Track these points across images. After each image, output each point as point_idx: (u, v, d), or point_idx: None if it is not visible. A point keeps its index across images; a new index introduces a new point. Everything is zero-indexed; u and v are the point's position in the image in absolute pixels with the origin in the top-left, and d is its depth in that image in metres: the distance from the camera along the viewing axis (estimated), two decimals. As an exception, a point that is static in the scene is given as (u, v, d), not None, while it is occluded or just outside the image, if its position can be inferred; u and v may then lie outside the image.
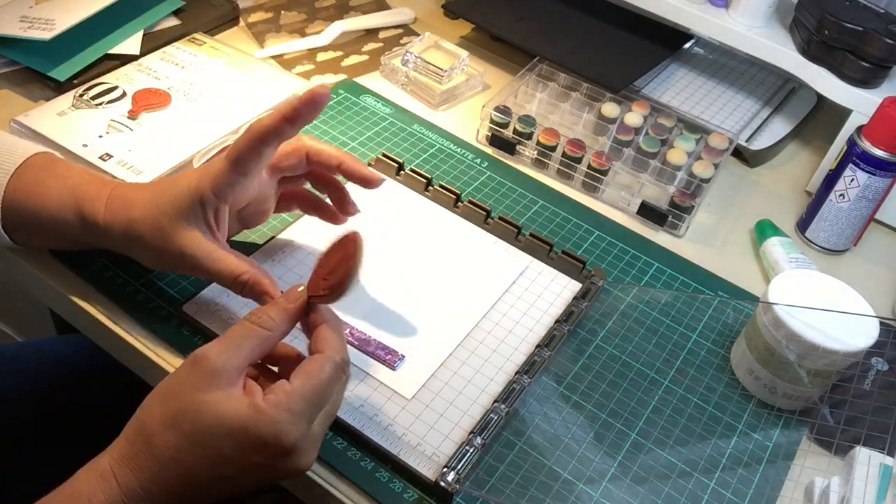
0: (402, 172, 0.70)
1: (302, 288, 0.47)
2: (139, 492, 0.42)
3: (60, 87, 0.71)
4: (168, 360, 0.54)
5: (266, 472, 0.43)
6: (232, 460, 0.41)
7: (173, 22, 0.82)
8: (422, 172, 0.69)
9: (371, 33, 0.91)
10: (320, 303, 0.47)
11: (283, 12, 0.90)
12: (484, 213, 0.67)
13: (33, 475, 0.67)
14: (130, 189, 0.52)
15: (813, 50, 0.77)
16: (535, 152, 0.76)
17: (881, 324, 0.55)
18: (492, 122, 0.76)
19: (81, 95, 0.70)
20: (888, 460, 0.50)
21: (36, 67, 0.72)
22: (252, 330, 0.44)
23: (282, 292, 0.47)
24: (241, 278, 0.50)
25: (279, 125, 0.48)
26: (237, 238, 0.61)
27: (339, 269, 0.46)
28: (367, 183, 0.55)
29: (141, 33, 0.78)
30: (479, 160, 0.75)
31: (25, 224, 0.54)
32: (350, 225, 0.58)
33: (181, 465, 0.41)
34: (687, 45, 0.93)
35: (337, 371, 0.44)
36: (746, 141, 0.82)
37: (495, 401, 0.53)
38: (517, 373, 0.55)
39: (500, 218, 0.66)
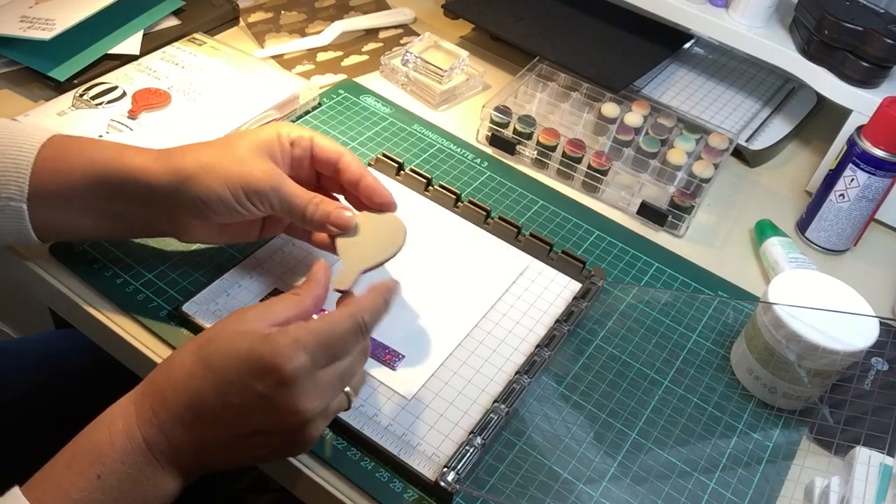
0: (402, 172, 0.70)
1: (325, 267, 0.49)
2: (151, 417, 0.42)
3: (60, 87, 0.71)
4: (168, 360, 0.54)
5: (268, 410, 0.42)
6: (234, 384, 0.42)
7: (173, 22, 0.82)
8: (422, 172, 0.69)
9: (371, 33, 0.91)
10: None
11: (283, 12, 0.90)
12: (484, 213, 0.67)
13: (31, 473, 0.67)
14: (178, 147, 0.53)
15: (813, 50, 0.77)
16: (535, 152, 0.76)
17: (881, 324, 0.55)
18: (492, 122, 0.76)
19: (81, 95, 0.70)
20: (888, 460, 0.49)
21: (36, 67, 0.72)
22: (284, 296, 0.47)
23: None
24: (314, 200, 0.53)
25: (359, 182, 0.54)
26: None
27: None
28: (383, 206, 0.56)
29: (141, 33, 0.78)
30: (479, 160, 0.75)
31: (54, 198, 0.52)
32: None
33: (190, 386, 0.42)
34: (687, 45, 0.93)
35: (356, 327, 0.44)
36: (746, 141, 0.82)
37: (495, 401, 0.53)
38: (517, 373, 0.55)
39: (500, 218, 0.66)
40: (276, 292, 0.57)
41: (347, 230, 0.53)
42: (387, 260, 0.52)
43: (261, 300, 0.57)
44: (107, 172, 0.51)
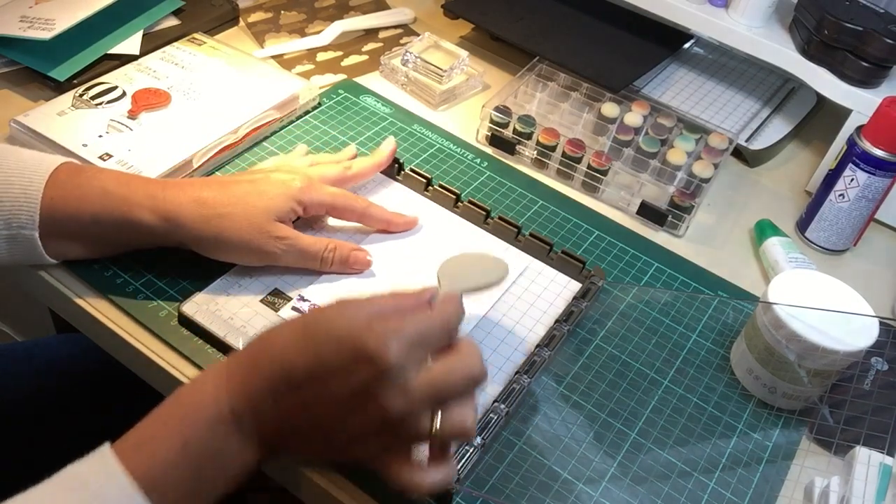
0: (402, 172, 0.70)
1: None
2: (240, 386, 0.42)
3: (60, 87, 0.71)
4: (168, 359, 0.54)
5: (357, 400, 0.40)
6: (330, 364, 0.40)
7: (173, 22, 0.82)
8: (422, 172, 0.69)
9: (371, 33, 0.91)
10: None
11: (283, 12, 0.90)
12: (484, 213, 0.67)
13: (32, 474, 0.67)
14: (190, 202, 0.55)
15: (813, 50, 0.77)
16: (535, 152, 0.76)
17: (881, 324, 0.55)
18: (492, 122, 0.76)
19: (81, 95, 0.70)
20: (888, 460, 0.50)
21: (36, 67, 0.72)
22: (386, 294, 0.45)
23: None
24: (329, 246, 0.58)
25: (374, 171, 0.66)
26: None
27: None
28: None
29: (141, 33, 0.78)
30: (479, 160, 0.75)
31: (66, 228, 0.54)
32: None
33: (286, 356, 0.42)
34: (687, 45, 0.93)
35: (445, 323, 0.43)
36: (746, 141, 0.82)
37: (495, 401, 0.53)
38: (517, 373, 0.55)
39: (500, 218, 0.66)
40: (276, 292, 0.57)
41: (367, 268, 0.60)
42: (488, 286, 0.53)
43: (261, 300, 0.57)
44: (117, 222, 0.54)
